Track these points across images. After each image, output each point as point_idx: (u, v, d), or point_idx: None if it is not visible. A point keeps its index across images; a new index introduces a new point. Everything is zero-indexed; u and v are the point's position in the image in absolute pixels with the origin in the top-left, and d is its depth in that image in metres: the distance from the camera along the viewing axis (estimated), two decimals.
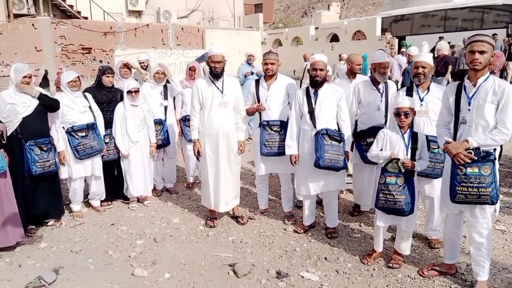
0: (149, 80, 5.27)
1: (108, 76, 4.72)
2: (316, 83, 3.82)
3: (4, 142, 3.55)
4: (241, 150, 4.28)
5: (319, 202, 4.37)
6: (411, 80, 3.78)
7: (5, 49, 12.39)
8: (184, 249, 3.80)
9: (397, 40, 15.64)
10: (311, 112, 3.82)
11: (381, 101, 4.18)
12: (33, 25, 13.00)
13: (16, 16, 13.56)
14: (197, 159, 4.44)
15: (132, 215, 4.65)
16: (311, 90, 3.88)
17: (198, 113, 4.20)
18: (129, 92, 4.60)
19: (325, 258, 3.57)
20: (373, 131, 4.08)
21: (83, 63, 13.87)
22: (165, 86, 5.23)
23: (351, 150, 4.09)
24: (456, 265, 3.28)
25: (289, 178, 4.44)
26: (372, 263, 3.47)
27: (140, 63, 6.28)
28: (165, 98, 5.20)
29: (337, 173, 3.81)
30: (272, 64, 4.11)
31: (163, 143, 5.14)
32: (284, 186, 4.42)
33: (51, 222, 4.32)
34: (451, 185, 2.91)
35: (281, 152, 4.13)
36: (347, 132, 3.87)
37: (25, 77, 3.90)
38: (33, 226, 4.18)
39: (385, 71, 4.17)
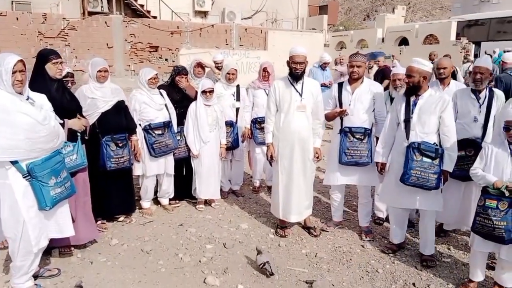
0: (221, 81, 5.15)
1: (182, 77, 4.66)
2: (411, 90, 3.46)
3: (86, 137, 3.55)
4: (317, 158, 4.02)
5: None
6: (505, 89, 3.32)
7: (79, 45, 13.06)
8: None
9: (473, 45, 14.56)
10: (407, 121, 3.46)
11: (480, 112, 3.73)
12: (105, 22, 13.60)
13: (90, 13, 14.24)
14: (270, 164, 4.23)
15: (199, 217, 4.54)
16: (412, 97, 3.49)
17: (273, 115, 4.01)
18: (203, 92, 4.50)
19: (413, 284, 3.21)
20: (466, 144, 3.67)
21: (149, 61, 14.30)
22: (237, 87, 5.09)
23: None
24: None
25: (369, 190, 4.10)
26: None
27: (215, 63, 6.19)
28: (237, 99, 5.05)
29: (430, 192, 3.40)
30: (358, 67, 3.81)
31: (233, 146, 4.99)
32: (363, 199, 4.08)
33: (121, 218, 4.31)
34: None
35: (363, 162, 3.82)
36: (449, 149, 3.39)
37: (100, 71, 3.89)
38: (104, 221, 4.19)
39: (476, 78, 3.67)
